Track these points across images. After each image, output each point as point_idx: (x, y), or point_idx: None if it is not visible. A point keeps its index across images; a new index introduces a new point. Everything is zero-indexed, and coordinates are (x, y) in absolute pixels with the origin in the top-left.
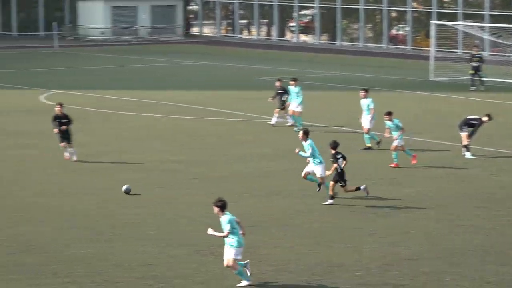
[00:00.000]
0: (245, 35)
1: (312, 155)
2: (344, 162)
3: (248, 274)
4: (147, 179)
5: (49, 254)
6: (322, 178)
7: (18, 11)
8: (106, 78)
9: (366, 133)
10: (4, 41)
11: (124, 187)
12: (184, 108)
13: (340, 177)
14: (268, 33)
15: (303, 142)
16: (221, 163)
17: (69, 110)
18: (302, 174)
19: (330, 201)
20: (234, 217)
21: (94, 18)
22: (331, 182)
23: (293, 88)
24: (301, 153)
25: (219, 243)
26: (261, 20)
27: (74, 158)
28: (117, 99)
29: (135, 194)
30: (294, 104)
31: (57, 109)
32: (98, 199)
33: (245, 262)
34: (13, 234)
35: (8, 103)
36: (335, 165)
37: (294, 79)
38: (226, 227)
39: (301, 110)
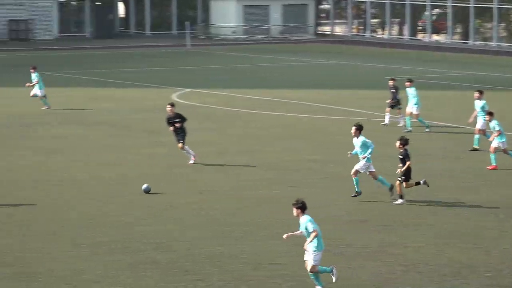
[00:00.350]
0: (376, 34)
1: (364, 152)
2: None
3: (334, 280)
4: (280, 178)
5: (179, 252)
6: (372, 172)
7: (151, 10)
8: (238, 77)
9: (477, 134)
10: (137, 39)
11: (144, 186)
12: (316, 107)
13: (407, 174)
14: (400, 32)
15: (355, 138)
16: (356, 163)
17: (201, 109)
18: (352, 173)
19: (401, 201)
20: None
21: (226, 17)
22: (399, 182)
23: (409, 90)
24: (355, 151)
25: (348, 242)
26: (393, 19)
27: (191, 161)
28: (249, 98)
29: (265, 193)
30: (411, 105)
31: (168, 109)
32: (228, 198)
33: (331, 267)
34: (144, 232)
35: (142, 102)
36: (409, 162)
37: (410, 80)
38: (310, 226)
39: (417, 112)
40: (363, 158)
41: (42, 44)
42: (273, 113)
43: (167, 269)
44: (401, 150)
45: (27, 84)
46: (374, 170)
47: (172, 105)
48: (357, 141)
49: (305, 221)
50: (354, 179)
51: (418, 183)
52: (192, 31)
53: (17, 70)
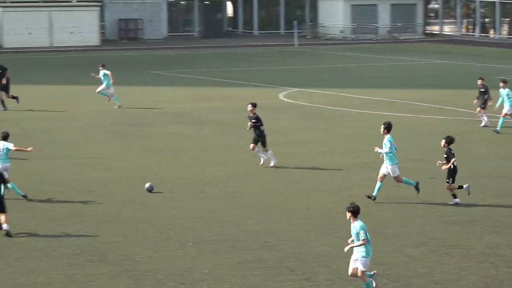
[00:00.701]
0: (486, 34)
1: (391, 152)
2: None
3: (374, 286)
4: (387, 177)
5: (285, 251)
6: (397, 177)
7: (259, 10)
8: (346, 76)
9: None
10: (245, 39)
11: (147, 185)
12: (425, 107)
13: (452, 174)
14: (510, 32)
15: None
16: (459, 162)
17: (309, 108)
18: (379, 177)
19: (456, 200)
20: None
21: (334, 16)
22: (447, 184)
23: (502, 91)
24: (379, 150)
25: (455, 243)
26: (503, 19)
27: (272, 163)
28: (357, 98)
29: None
30: (507, 106)
31: (249, 108)
32: (335, 197)
33: (372, 272)
34: (250, 231)
35: (249, 101)
36: (452, 160)
37: (504, 81)
38: (361, 234)
39: (510, 112)
40: (377, 151)
41: (151, 43)
42: (381, 112)
43: (274, 268)
44: (445, 149)
45: (92, 74)
46: (398, 174)
47: (254, 105)
48: (384, 139)
49: (358, 228)
50: (403, 181)
51: (460, 187)
52: (300, 30)
53: (127, 68)
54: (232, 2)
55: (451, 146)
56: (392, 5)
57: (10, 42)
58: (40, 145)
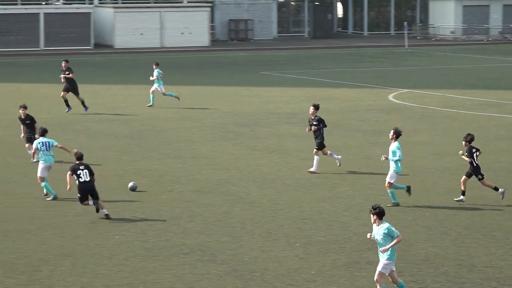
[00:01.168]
0: None
1: (400, 159)
2: (479, 153)
3: None
4: (492, 179)
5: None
6: (390, 184)
7: (369, 11)
8: (456, 77)
9: None
10: (355, 40)
11: (130, 184)
12: None
13: (476, 171)
14: None
15: (392, 142)
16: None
17: (419, 109)
18: (386, 185)
19: (462, 197)
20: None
21: (445, 17)
22: (464, 177)
23: None
24: (390, 158)
25: None
26: None
27: (313, 168)
28: (468, 99)
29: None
30: None
31: (311, 111)
32: (444, 199)
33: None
34: (359, 232)
35: (357, 102)
36: (470, 159)
37: None
38: (394, 231)
39: None
40: (385, 158)
41: (261, 44)
42: (491, 114)
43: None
44: (466, 147)
45: (151, 78)
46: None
47: (316, 107)
48: (392, 146)
49: (386, 228)
50: (389, 191)
51: (496, 189)
52: (410, 31)
53: (237, 69)
54: (342, 3)
55: (472, 144)
56: (505, 5)
57: (121, 42)
58: (153, 145)
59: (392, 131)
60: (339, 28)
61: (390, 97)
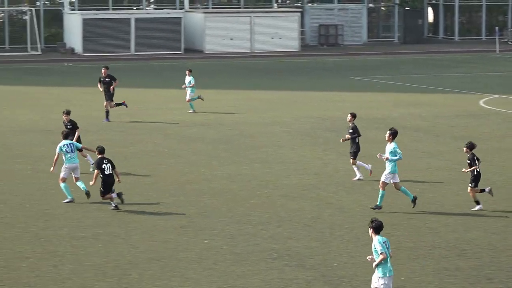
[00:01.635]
0: None
1: (400, 158)
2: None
3: None
4: None
5: (483, 260)
6: (383, 183)
7: (459, 16)
8: None
9: None
10: (446, 45)
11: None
12: None
13: (475, 179)
14: None
15: (388, 143)
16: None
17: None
18: (394, 186)
19: (478, 207)
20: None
21: None
22: (470, 187)
23: None
24: (390, 157)
25: None
26: None
27: (355, 177)
28: None
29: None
30: None
31: (348, 118)
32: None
33: None
34: (448, 238)
35: (447, 107)
36: (474, 167)
37: None
38: (378, 247)
39: None
40: (386, 159)
41: (350, 49)
42: None
43: (471, 276)
44: (468, 155)
45: (183, 86)
46: (398, 181)
47: (353, 115)
48: (389, 147)
49: (376, 241)
50: (380, 192)
51: (482, 190)
52: (501, 36)
53: (328, 74)
54: (433, 8)
55: (474, 152)
56: None
57: (212, 47)
58: (240, 150)
59: (388, 132)
60: (429, 33)
61: (481, 102)
